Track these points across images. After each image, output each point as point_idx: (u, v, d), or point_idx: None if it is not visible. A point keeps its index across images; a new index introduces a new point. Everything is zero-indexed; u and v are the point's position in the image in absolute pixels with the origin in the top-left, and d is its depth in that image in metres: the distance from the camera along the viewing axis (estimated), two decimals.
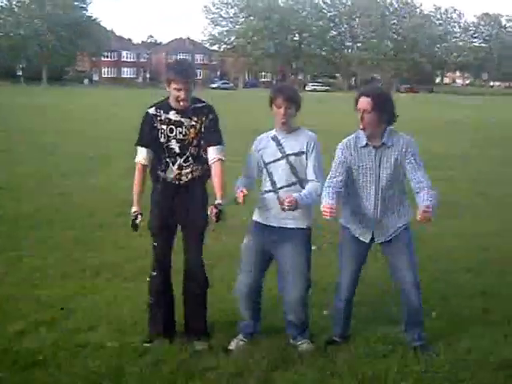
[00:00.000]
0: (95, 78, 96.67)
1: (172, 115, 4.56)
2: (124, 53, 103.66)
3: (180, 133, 4.55)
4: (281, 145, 4.60)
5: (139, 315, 5.14)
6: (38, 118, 23.37)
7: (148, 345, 4.62)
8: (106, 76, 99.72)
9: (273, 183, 4.60)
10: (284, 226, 4.60)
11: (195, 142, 4.57)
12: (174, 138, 4.56)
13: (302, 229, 4.65)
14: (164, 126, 4.57)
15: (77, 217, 8.84)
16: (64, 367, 4.26)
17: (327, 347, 4.66)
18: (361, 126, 4.47)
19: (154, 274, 4.77)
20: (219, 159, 4.53)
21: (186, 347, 4.53)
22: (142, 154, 4.63)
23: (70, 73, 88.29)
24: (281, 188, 4.58)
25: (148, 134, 4.61)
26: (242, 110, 32.39)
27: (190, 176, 4.62)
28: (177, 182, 4.62)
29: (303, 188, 4.56)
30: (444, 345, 4.75)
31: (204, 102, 4.66)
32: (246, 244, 4.74)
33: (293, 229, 4.61)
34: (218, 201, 4.42)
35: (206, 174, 4.67)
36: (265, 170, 4.65)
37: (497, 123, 30.14)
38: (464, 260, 7.18)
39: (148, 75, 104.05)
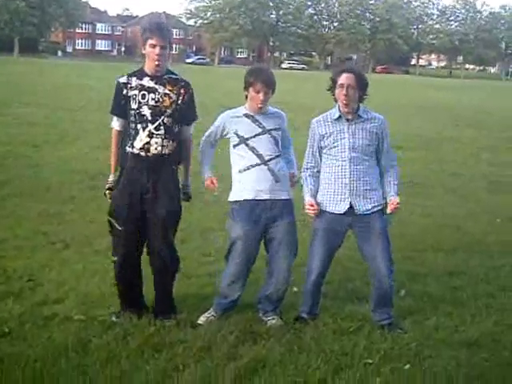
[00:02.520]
0: (69, 49, 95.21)
1: (146, 81, 4.49)
2: (99, 25, 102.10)
3: (153, 99, 4.47)
4: (257, 121, 4.59)
5: (107, 289, 5.11)
6: (6, 89, 22.93)
7: (115, 319, 4.59)
8: (80, 48, 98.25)
9: (259, 156, 4.56)
10: (278, 198, 4.59)
11: (169, 111, 4.48)
12: (145, 104, 4.47)
13: (291, 199, 4.70)
14: (136, 92, 4.49)
15: (47, 189, 8.72)
16: (30, 339, 4.22)
17: (295, 323, 4.68)
18: (344, 102, 4.47)
19: (116, 259, 4.62)
20: (191, 138, 4.69)
21: (154, 321, 4.51)
22: (115, 121, 4.63)
23: (43, 44, 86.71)
24: (269, 160, 4.57)
25: (118, 104, 4.56)
26: (215, 86, 32.16)
27: (158, 148, 4.46)
28: (144, 153, 4.45)
29: (282, 157, 4.69)
30: (411, 323, 4.80)
31: (177, 75, 4.61)
32: (238, 236, 4.55)
33: (286, 200, 4.64)
34: (186, 181, 4.70)
35: (176, 155, 4.57)
36: (243, 146, 4.59)
37: (469, 105, 30.38)
38: (434, 240, 7.25)
39: (123, 48, 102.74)
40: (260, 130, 4.57)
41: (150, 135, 4.46)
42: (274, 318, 4.70)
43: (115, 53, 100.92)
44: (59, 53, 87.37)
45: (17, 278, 5.32)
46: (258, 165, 4.56)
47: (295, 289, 5.24)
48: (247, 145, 4.57)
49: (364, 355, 4.21)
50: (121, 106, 4.54)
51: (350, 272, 5.86)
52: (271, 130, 4.60)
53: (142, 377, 3.79)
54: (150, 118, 4.47)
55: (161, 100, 4.47)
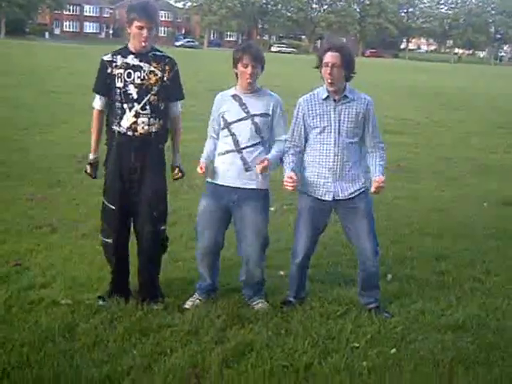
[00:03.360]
0: (56, 31, 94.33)
1: (130, 59, 4.46)
2: (87, 7, 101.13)
3: (138, 77, 4.43)
4: (244, 104, 4.53)
5: (95, 273, 5.10)
6: None
7: (102, 303, 4.58)
8: (67, 30, 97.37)
9: (235, 143, 4.53)
10: (245, 186, 4.56)
11: (155, 89, 4.45)
12: (131, 83, 4.43)
13: (262, 189, 4.63)
14: (121, 71, 4.45)
15: (34, 173, 8.67)
16: (17, 324, 4.20)
17: (282, 307, 4.69)
18: (328, 81, 4.43)
19: (110, 240, 4.62)
20: (179, 114, 4.63)
21: (142, 306, 4.51)
22: (97, 101, 4.59)
23: (30, 26, 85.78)
24: (244, 148, 4.53)
25: (102, 82, 4.52)
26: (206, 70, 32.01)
27: (145, 128, 4.44)
28: (131, 133, 4.44)
29: (264, 147, 4.57)
30: (398, 306, 4.82)
31: (163, 51, 4.58)
32: (203, 208, 4.66)
33: (253, 189, 4.58)
34: (178, 163, 4.62)
35: (163, 133, 4.56)
36: (226, 130, 4.57)
37: (458, 90, 30.42)
38: (421, 224, 7.28)
39: (111, 31, 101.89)
40: (244, 114, 4.52)
41: (137, 115, 4.44)
42: (260, 302, 4.72)
43: (103, 35, 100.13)
44: (46, 35, 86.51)
45: (3, 263, 5.29)
46: (233, 151, 4.53)
47: (282, 272, 5.25)
48: (229, 130, 4.55)
49: (351, 339, 4.23)
50: (105, 85, 4.51)
51: (337, 256, 5.88)
52: (255, 115, 4.52)
53: (129, 361, 3.78)
54: (136, 97, 4.43)
55: (146, 78, 4.44)
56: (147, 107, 4.44)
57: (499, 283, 5.42)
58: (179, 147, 4.73)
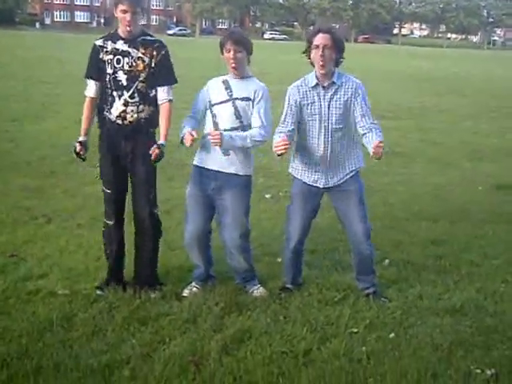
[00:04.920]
0: (47, 21, 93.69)
1: (120, 45, 4.42)
2: None
3: (127, 63, 4.40)
4: (229, 88, 4.52)
5: (91, 263, 5.09)
6: None
7: (100, 292, 4.57)
8: (58, 20, 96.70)
9: (215, 125, 4.50)
10: (223, 170, 4.54)
11: (143, 76, 4.40)
12: (120, 69, 4.40)
13: (241, 175, 4.58)
14: (111, 56, 4.42)
15: (27, 164, 8.63)
16: (14, 314, 4.19)
17: (280, 294, 4.69)
18: (320, 63, 4.38)
19: (111, 222, 4.67)
20: (169, 100, 4.50)
21: (140, 294, 4.50)
22: (90, 88, 4.55)
23: (20, 15, 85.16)
24: (224, 131, 4.47)
25: (94, 66, 4.49)
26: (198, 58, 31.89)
27: (134, 116, 4.42)
28: (120, 122, 4.42)
29: (243, 131, 4.52)
30: (396, 292, 4.83)
31: (153, 36, 4.53)
32: (189, 192, 4.67)
33: (232, 174, 4.55)
34: (161, 141, 4.44)
35: (154, 118, 4.50)
36: (209, 112, 4.55)
37: (451, 74, 30.39)
38: (416, 209, 7.29)
39: (102, 20, 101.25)
40: (227, 97, 4.50)
41: (126, 104, 4.41)
42: (258, 289, 4.72)
43: (95, 24, 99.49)
44: (37, 25, 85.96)
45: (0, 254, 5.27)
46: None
47: (279, 259, 5.24)
48: (211, 111, 4.53)
49: (349, 324, 4.24)
50: (97, 69, 4.48)
51: (334, 242, 5.87)
52: (237, 98, 4.48)
53: (128, 350, 3.78)
54: (125, 84, 4.40)
55: (134, 64, 4.40)
56: (136, 95, 4.41)
57: (496, 267, 5.44)
58: (166, 130, 4.50)
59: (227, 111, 4.49)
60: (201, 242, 4.70)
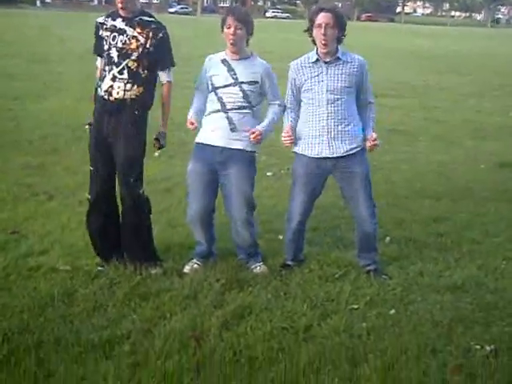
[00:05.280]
0: None
1: (118, 22, 4.41)
2: None
3: (121, 41, 4.37)
4: (232, 70, 4.48)
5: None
6: None
7: (101, 268, 4.58)
8: None
9: (222, 104, 4.49)
10: (230, 146, 4.52)
11: (135, 55, 4.36)
12: (114, 46, 4.38)
13: (247, 151, 4.59)
14: (108, 33, 4.42)
15: (29, 141, 8.61)
16: (16, 290, 4.20)
17: (281, 270, 4.70)
18: (322, 42, 4.36)
19: (90, 197, 4.65)
20: (168, 81, 4.51)
21: (140, 271, 4.50)
22: (99, 63, 4.57)
23: None
24: (231, 109, 4.49)
25: (97, 43, 4.52)
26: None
27: (121, 93, 4.36)
28: (106, 97, 4.39)
29: (252, 112, 4.54)
30: (396, 268, 4.84)
31: (153, 18, 4.49)
32: (191, 170, 4.62)
33: (239, 150, 4.54)
34: (162, 130, 4.52)
35: (142, 99, 4.43)
36: (213, 94, 4.53)
37: (454, 52, 30.20)
38: (418, 187, 7.28)
39: None
40: (232, 80, 4.47)
41: (113, 79, 4.39)
42: (259, 266, 4.72)
43: (96, 2, 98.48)
44: (38, 3, 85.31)
45: (0, 231, 5.28)
46: (218, 111, 4.49)
47: (280, 236, 5.24)
48: (216, 94, 4.50)
49: (350, 301, 4.24)
50: (99, 45, 4.50)
51: (335, 219, 5.88)
52: (243, 82, 4.47)
53: (129, 325, 3.79)
54: (115, 61, 4.38)
55: (128, 42, 4.37)
56: (124, 72, 4.37)
57: (498, 244, 5.43)
58: (167, 117, 4.58)
59: (235, 94, 4.48)
60: (204, 220, 4.69)
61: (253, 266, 4.72)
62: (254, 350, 3.57)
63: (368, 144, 4.51)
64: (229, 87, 4.47)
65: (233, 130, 4.49)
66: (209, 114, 4.56)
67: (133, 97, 4.40)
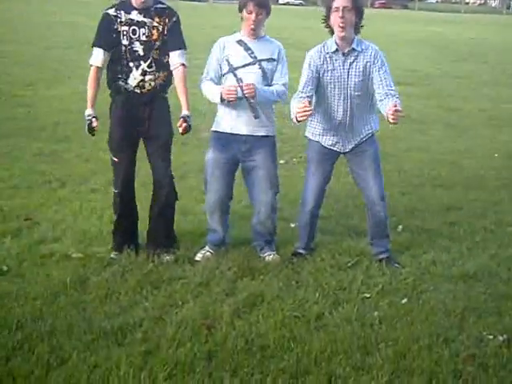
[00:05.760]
0: None
1: (134, 15, 4.38)
2: None
3: (143, 34, 4.38)
4: (250, 49, 4.49)
5: (105, 227, 5.09)
6: None
7: (114, 256, 4.59)
8: None
9: (242, 89, 4.46)
10: (255, 134, 4.54)
11: (157, 44, 4.40)
12: (137, 40, 4.38)
13: (271, 136, 4.64)
14: (126, 28, 4.38)
15: (41, 128, 8.63)
16: (29, 277, 4.23)
17: (293, 259, 4.69)
18: (340, 25, 4.32)
19: (117, 191, 4.64)
20: (182, 64, 4.45)
21: (153, 258, 4.52)
22: (97, 57, 4.44)
23: None
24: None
25: (106, 36, 4.41)
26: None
27: (152, 84, 4.43)
28: (139, 91, 4.43)
29: None
30: (409, 257, 4.82)
31: (165, 4, 4.50)
32: (211, 158, 4.61)
33: (264, 136, 4.58)
34: (186, 112, 4.38)
35: (168, 82, 4.54)
36: (231, 75, 4.49)
37: (469, 40, 29.93)
38: (432, 175, 7.24)
39: None
40: (251, 59, 4.47)
41: (144, 73, 4.41)
42: (271, 254, 4.72)
43: None
44: None
45: (14, 218, 5.30)
46: (240, 98, 4.44)
47: (292, 224, 5.24)
48: (235, 75, 4.48)
49: (362, 289, 4.24)
50: (108, 38, 4.39)
51: (348, 208, 5.86)
52: (262, 60, 4.49)
53: (141, 313, 3.81)
54: (142, 54, 4.39)
55: (150, 34, 4.39)
56: (153, 64, 4.42)
57: (511, 234, 5.40)
58: (187, 99, 4.47)
59: (254, 73, 4.48)
60: (223, 208, 4.72)
61: (265, 254, 4.72)
62: (266, 339, 3.57)
63: (391, 111, 4.04)
64: (248, 66, 4.48)
65: (256, 116, 4.50)
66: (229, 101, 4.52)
67: (161, 83, 4.48)
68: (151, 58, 4.40)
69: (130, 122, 4.50)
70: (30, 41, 19.12)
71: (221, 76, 4.56)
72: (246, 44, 4.50)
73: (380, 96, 4.37)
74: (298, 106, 4.21)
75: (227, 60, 4.50)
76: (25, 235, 4.96)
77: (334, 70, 4.44)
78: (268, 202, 4.67)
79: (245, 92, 4.36)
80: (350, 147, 4.59)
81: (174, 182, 4.75)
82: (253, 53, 4.48)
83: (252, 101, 4.43)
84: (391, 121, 4.09)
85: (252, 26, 4.44)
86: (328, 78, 4.46)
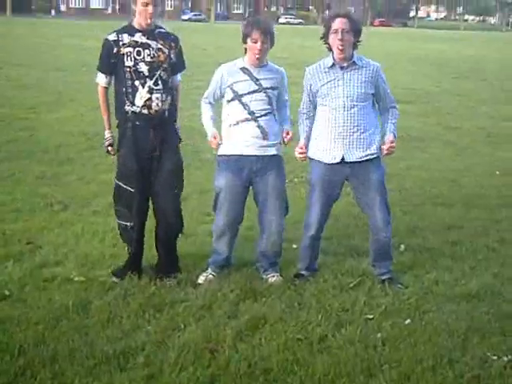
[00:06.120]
0: (62, 8, 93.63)
1: (138, 37, 4.45)
2: None
3: (148, 55, 4.44)
4: (255, 77, 4.54)
5: (107, 250, 5.11)
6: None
7: (116, 279, 4.59)
8: (73, 6, 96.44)
9: (250, 112, 4.53)
10: (265, 154, 4.59)
11: (164, 66, 4.48)
12: (142, 61, 4.43)
13: (280, 155, 4.70)
14: (130, 49, 4.44)
15: (43, 151, 8.66)
16: (31, 301, 4.22)
17: (295, 280, 4.69)
18: (339, 47, 4.41)
19: (130, 224, 4.58)
20: (179, 83, 4.75)
21: (155, 281, 4.51)
22: (102, 79, 4.59)
23: (36, 3, 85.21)
24: (260, 117, 4.54)
25: (106, 61, 4.52)
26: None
27: (160, 104, 4.45)
28: (146, 111, 4.43)
29: (275, 117, 4.65)
30: (411, 277, 4.81)
31: (165, 28, 4.61)
32: (223, 182, 4.61)
33: (274, 156, 4.63)
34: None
35: (174, 109, 4.61)
36: (236, 102, 4.55)
37: (468, 57, 30.06)
38: (433, 194, 7.25)
39: (118, 6, 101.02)
40: (256, 87, 4.52)
41: (151, 91, 4.44)
42: (273, 276, 4.71)
43: (110, 11, 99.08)
44: (52, 12, 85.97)
45: (16, 241, 5.31)
46: (248, 120, 4.53)
47: (294, 245, 5.23)
48: (240, 101, 4.53)
49: (364, 311, 4.22)
50: (110, 64, 4.51)
51: (349, 228, 5.86)
52: (267, 88, 4.55)
53: (144, 337, 3.80)
54: (147, 74, 4.44)
55: (156, 55, 4.46)
56: (159, 82, 4.46)
57: None
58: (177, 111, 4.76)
59: (261, 100, 4.55)
60: (233, 231, 4.75)
61: (268, 276, 4.71)
62: (269, 362, 3.56)
63: (384, 147, 4.54)
64: (254, 93, 4.52)
65: (265, 137, 4.56)
66: (236, 124, 4.57)
67: (169, 108, 4.53)
68: (157, 76, 4.45)
69: (141, 150, 4.49)
70: (32, 64, 19.22)
71: (226, 102, 4.61)
72: (250, 72, 4.55)
73: (380, 111, 4.65)
74: (299, 144, 4.60)
75: (231, 88, 4.54)
76: (27, 259, 4.96)
77: (331, 81, 4.50)
78: (278, 223, 4.70)
79: (285, 139, 4.61)
80: (354, 158, 4.54)
81: (181, 212, 4.74)
82: (258, 80, 4.53)
83: (260, 123, 4.52)
84: (384, 153, 4.52)
85: (258, 56, 4.47)
86: (326, 90, 4.52)
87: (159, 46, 4.47)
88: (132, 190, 4.52)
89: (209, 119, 4.72)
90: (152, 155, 4.51)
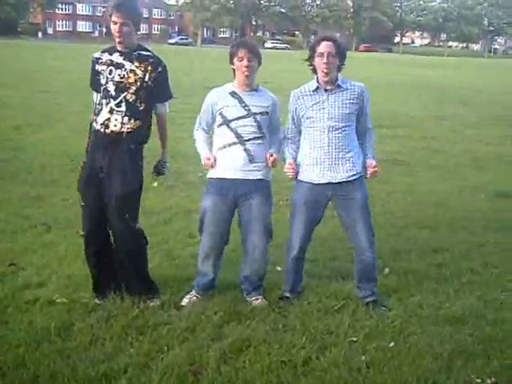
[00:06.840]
0: (49, 31, 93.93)
1: (115, 57, 4.45)
2: (79, 6, 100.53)
3: (118, 75, 4.40)
4: (244, 102, 4.53)
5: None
6: None
7: (98, 301, 4.54)
8: (60, 29, 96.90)
9: (238, 136, 4.52)
10: (250, 177, 4.57)
11: (133, 88, 4.38)
12: (111, 80, 4.41)
13: (267, 181, 4.67)
14: (104, 67, 4.45)
15: (28, 172, 8.62)
16: (12, 324, 4.17)
17: (279, 303, 4.67)
18: (324, 70, 4.45)
19: (82, 233, 4.58)
20: (166, 113, 4.61)
21: (138, 304, 4.47)
22: (93, 94, 4.60)
23: (22, 25, 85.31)
24: (247, 140, 4.53)
25: (93, 78, 4.55)
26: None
27: (118, 126, 4.35)
28: (103, 130, 4.37)
29: (265, 142, 4.62)
30: (396, 300, 4.81)
31: (150, 52, 4.52)
32: (209, 205, 4.59)
33: (259, 180, 4.60)
34: (162, 158, 4.65)
35: (139, 134, 4.44)
36: (225, 127, 4.54)
37: (452, 83, 30.41)
38: (417, 217, 7.27)
39: (104, 30, 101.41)
40: (245, 112, 4.51)
41: (111, 111, 4.39)
42: (257, 298, 4.69)
43: (97, 34, 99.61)
44: (39, 34, 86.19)
45: None
46: (235, 144, 4.52)
47: (278, 268, 5.22)
48: (229, 126, 4.53)
49: (349, 333, 4.21)
50: (95, 80, 4.53)
51: (334, 251, 5.85)
52: (256, 113, 4.53)
53: (126, 359, 3.75)
54: (113, 94, 4.40)
55: (126, 76, 4.40)
56: (122, 104, 4.38)
57: (497, 275, 5.41)
58: (166, 145, 4.70)
59: (249, 125, 4.53)
60: (218, 253, 4.71)
61: (252, 298, 4.69)
62: None
63: (368, 171, 4.59)
64: (243, 119, 4.51)
65: (251, 161, 4.54)
66: (224, 147, 4.56)
67: (129, 130, 4.40)
68: (122, 98, 4.38)
69: (92, 168, 4.45)
70: (17, 85, 19.22)
71: (216, 126, 4.61)
72: (240, 97, 4.54)
73: (360, 131, 4.68)
74: (287, 162, 4.63)
75: (221, 113, 4.54)
76: (9, 280, 4.90)
77: (317, 104, 4.53)
78: (262, 246, 4.67)
79: (270, 164, 4.58)
80: (339, 179, 4.55)
81: (140, 232, 4.58)
82: (247, 106, 4.52)
83: (247, 147, 4.51)
84: (367, 176, 4.63)
85: (246, 73, 4.46)
86: (310, 112, 4.55)
87: (133, 67, 4.39)
88: (82, 204, 4.54)
89: (202, 142, 4.71)
90: (101, 175, 4.41)
